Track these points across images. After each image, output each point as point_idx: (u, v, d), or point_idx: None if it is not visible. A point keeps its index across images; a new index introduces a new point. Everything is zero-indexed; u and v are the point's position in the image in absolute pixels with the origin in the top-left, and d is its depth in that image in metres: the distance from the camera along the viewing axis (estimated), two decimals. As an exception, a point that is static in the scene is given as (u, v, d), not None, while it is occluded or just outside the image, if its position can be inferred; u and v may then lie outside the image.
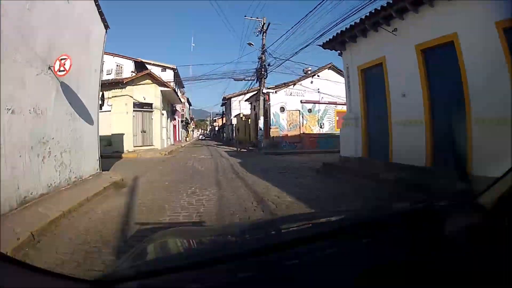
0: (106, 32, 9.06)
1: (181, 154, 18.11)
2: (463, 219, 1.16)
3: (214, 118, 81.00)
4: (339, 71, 21.68)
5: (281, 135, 19.93)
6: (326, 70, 22.25)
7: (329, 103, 22.00)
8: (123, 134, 17.74)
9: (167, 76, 24.21)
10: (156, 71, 22.65)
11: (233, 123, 31.84)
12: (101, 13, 8.48)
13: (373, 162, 8.58)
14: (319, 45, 10.93)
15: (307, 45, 14.45)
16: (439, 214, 1.23)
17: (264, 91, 18.28)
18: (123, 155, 15.67)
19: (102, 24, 8.81)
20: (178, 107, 33.01)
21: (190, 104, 53.95)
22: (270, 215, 4.79)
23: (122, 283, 0.87)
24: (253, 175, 8.73)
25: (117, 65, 22.60)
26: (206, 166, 11.42)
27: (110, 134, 17.07)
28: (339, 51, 10.53)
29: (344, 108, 21.77)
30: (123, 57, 22.87)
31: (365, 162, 8.91)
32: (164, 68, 27.86)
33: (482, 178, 4.19)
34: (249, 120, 29.70)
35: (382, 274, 0.87)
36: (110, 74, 22.11)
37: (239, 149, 19.41)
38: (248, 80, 19.03)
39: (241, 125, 32.34)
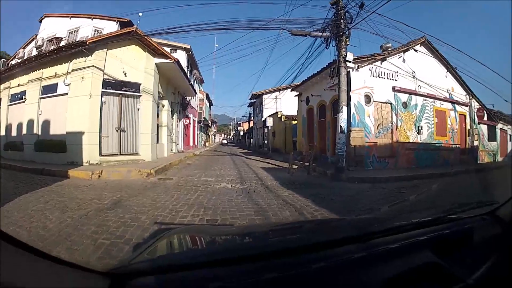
0: None
1: (183, 173, 9.63)
2: (484, 231, 1.26)
3: (238, 122, 74.22)
4: (434, 50, 14.58)
5: (366, 143, 11.26)
6: (418, 46, 13.88)
7: (428, 96, 13.70)
8: (81, 133, 9.77)
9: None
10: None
11: (267, 124, 23.45)
12: None
13: None
14: None
15: None
16: (461, 225, 1.35)
17: (350, 58, 9.61)
18: (71, 172, 8.02)
19: None
20: (194, 102, 24.77)
21: (211, 103, 46.07)
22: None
23: (139, 277, 0.87)
24: None
25: (95, 30, 14.67)
26: None
27: (65, 133, 10.15)
28: None
29: (445, 105, 14.27)
30: (103, 17, 14.86)
31: None
32: (174, 49, 19.94)
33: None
34: (293, 121, 21.80)
35: (410, 278, 0.94)
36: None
37: (292, 166, 10.46)
38: (315, 36, 10.16)
39: (278, 128, 24.12)
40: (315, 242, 1.16)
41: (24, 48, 17.35)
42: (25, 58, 15.69)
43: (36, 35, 16.62)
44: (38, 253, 0.79)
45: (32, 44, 16.48)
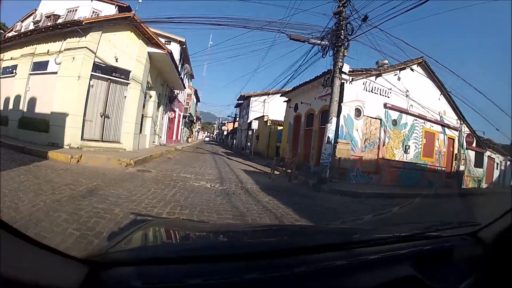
0: None
1: (163, 167, 9.54)
2: (465, 251, 1.27)
3: (223, 122, 73.58)
4: (431, 72, 14.71)
5: (351, 156, 11.24)
6: (415, 66, 14.02)
7: (419, 116, 13.79)
8: (66, 114, 9.60)
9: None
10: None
11: (252, 127, 23.31)
12: None
13: None
14: None
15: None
16: (441, 242, 1.37)
17: (346, 70, 9.64)
18: (51, 153, 7.79)
19: None
20: (181, 96, 24.66)
21: (198, 100, 45.70)
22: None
23: (118, 266, 0.85)
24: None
25: (93, 12, 14.52)
26: None
27: (49, 113, 9.94)
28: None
29: (435, 128, 14.65)
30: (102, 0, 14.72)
31: None
32: (169, 40, 19.83)
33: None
34: (278, 127, 21.95)
35: None
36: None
37: (274, 172, 10.73)
38: (313, 43, 10.19)
39: (263, 132, 24.08)
40: (300, 246, 1.17)
41: (22, 21, 17.10)
42: (21, 31, 15.55)
43: (36, 10, 16.38)
44: (14, 232, 0.77)
45: (30, 18, 16.25)
